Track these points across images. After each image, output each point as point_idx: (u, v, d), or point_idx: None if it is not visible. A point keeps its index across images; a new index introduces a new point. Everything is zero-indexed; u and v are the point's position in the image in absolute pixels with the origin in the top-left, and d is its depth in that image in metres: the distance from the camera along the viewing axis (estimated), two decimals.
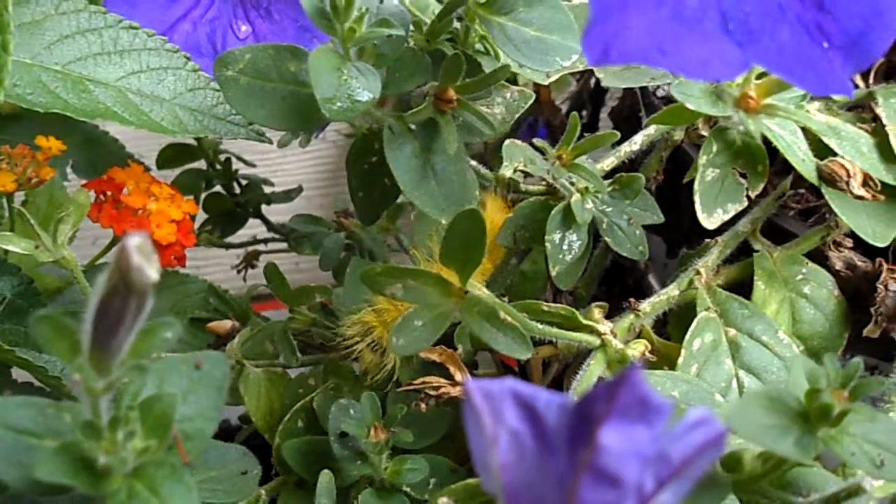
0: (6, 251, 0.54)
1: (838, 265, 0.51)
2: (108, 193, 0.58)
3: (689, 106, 0.43)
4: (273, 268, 0.56)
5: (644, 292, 0.65)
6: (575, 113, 0.50)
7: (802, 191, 0.58)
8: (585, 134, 0.52)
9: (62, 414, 0.35)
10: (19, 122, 0.66)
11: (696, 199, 0.47)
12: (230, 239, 0.76)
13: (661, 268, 0.73)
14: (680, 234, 0.64)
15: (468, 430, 0.27)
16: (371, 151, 0.53)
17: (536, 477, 0.25)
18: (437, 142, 0.48)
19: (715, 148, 0.47)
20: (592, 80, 0.83)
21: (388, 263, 0.46)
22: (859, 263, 0.52)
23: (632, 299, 0.50)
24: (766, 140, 0.47)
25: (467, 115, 0.48)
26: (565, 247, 0.51)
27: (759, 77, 0.44)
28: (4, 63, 0.37)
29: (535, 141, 0.50)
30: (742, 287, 0.52)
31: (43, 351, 0.52)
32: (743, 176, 0.47)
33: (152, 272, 0.29)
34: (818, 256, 0.52)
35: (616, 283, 0.68)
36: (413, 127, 0.48)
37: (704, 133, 0.50)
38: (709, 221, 0.47)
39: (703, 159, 0.46)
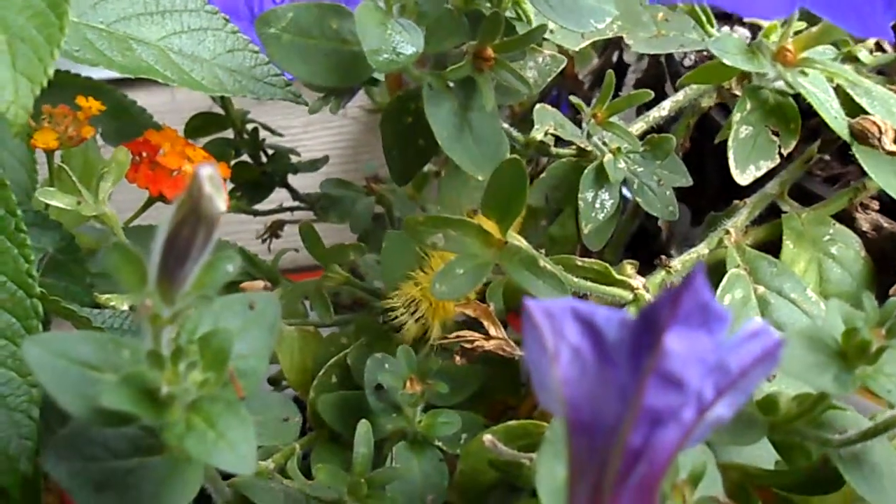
0: (46, 207, 0.55)
1: (865, 226, 0.52)
2: (144, 154, 0.59)
3: (726, 61, 0.44)
4: (308, 226, 0.57)
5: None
6: (611, 71, 0.51)
7: (828, 158, 0.59)
8: None
9: (121, 349, 0.36)
10: (54, 90, 0.67)
11: (730, 155, 0.48)
12: (256, 207, 0.77)
13: (682, 239, 0.74)
14: (705, 201, 0.65)
15: (526, 349, 0.28)
16: (407, 112, 0.54)
17: (598, 390, 0.26)
18: (474, 100, 0.49)
19: (749, 106, 0.47)
20: (615, 56, 0.84)
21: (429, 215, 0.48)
22: (885, 225, 0.53)
23: (662, 256, 0.51)
24: (797, 101, 0.48)
25: (504, 74, 0.49)
26: (598, 205, 0.52)
27: (795, 33, 0.45)
28: (65, 11, 0.38)
29: (571, 98, 0.51)
30: (769, 248, 0.53)
31: (83, 305, 0.54)
32: (775, 134, 0.48)
33: (222, 203, 0.31)
34: (845, 218, 0.53)
35: (640, 252, 0.69)
36: (451, 85, 0.49)
37: (737, 92, 0.51)
38: (742, 177, 0.48)
39: (736, 117, 0.47)
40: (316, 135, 1.02)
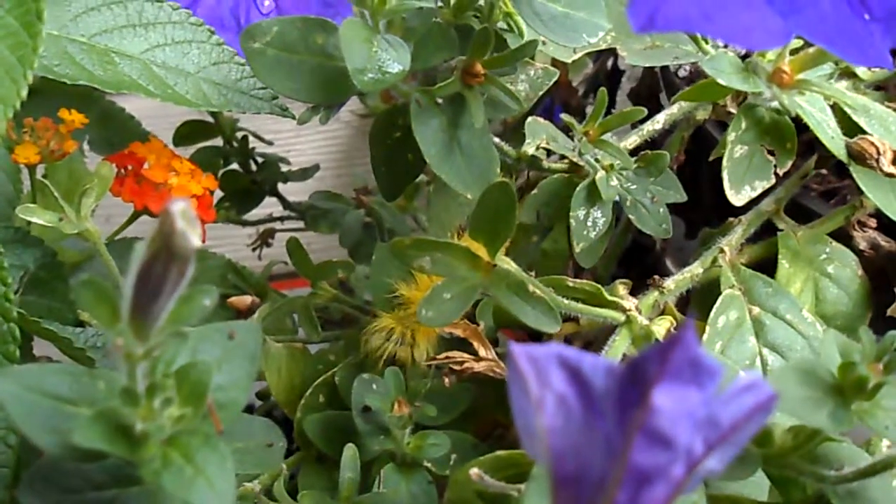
0: (28, 223, 0.54)
1: (862, 245, 0.51)
2: (129, 167, 0.58)
3: (721, 81, 0.43)
4: (295, 242, 0.56)
5: (662, 275, 0.65)
6: (603, 88, 0.50)
7: (824, 172, 0.58)
8: None
9: (97, 382, 0.35)
10: (39, 98, 0.66)
11: (725, 175, 0.47)
12: (246, 217, 0.76)
13: (676, 252, 0.74)
14: (700, 215, 0.64)
15: (511, 395, 0.27)
16: (395, 127, 0.53)
17: (583, 441, 0.25)
18: (463, 116, 0.48)
19: (744, 125, 0.46)
20: (609, 62, 0.83)
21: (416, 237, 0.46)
22: (883, 243, 0.52)
23: (655, 276, 0.50)
24: (792, 118, 0.47)
25: (494, 91, 0.48)
26: (590, 223, 0.51)
27: (792, 53, 0.44)
28: (39, 31, 0.37)
29: (563, 116, 0.50)
30: (765, 266, 0.52)
31: (66, 323, 0.53)
32: (771, 153, 0.47)
33: (195, 238, 0.29)
34: (842, 236, 0.52)
35: (634, 266, 0.68)
36: (440, 101, 0.48)
37: (732, 110, 0.50)
38: (737, 198, 0.47)
39: (731, 136, 0.46)
40: (308, 139, 1.01)
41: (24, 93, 0.38)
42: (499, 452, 0.41)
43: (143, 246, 0.30)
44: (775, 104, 0.46)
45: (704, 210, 0.63)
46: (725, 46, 0.46)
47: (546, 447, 0.26)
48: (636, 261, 0.68)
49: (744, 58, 0.45)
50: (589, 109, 0.80)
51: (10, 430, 0.43)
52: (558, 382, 0.26)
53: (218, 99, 0.53)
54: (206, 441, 0.35)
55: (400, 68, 0.43)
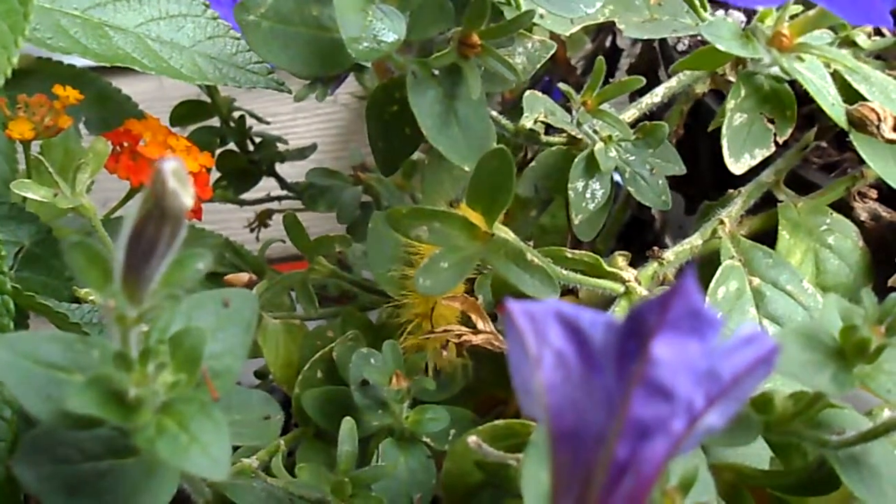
0: (23, 199, 0.54)
1: (863, 216, 0.51)
2: (125, 144, 0.58)
3: (720, 47, 0.42)
4: (292, 217, 0.55)
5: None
6: (601, 57, 0.49)
7: (824, 145, 0.58)
8: None
9: (90, 349, 0.35)
10: (35, 79, 0.66)
11: (724, 143, 0.46)
12: (243, 196, 0.76)
13: (676, 228, 0.73)
14: (699, 189, 0.64)
15: (509, 352, 0.27)
16: (392, 101, 0.53)
17: (582, 396, 0.25)
18: (460, 88, 0.48)
19: (743, 92, 0.46)
20: (608, 41, 0.82)
21: (413, 206, 0.46)
22: (884, 214, 0.51)
23: (655, 248, 0.50)
24: (793, 87, 0.46)
25: (491, 62, 0.47)
26: (588, 195, 0.50)
27: (791, 17, 0.43)
28: (27, 7, 0.36)
29: (561, 86, 0.49)
30: (765, 238, 0.52)
31: (61, 299, 0.52)
32: (771, 121, 0.47)
33: (187, 197, 0.29)
34: (843, 207, 0.52)
35: (633, 242, 0.67)
36: (436, 73, 0.48)
37: (731, 78, 0.49)
38: (736, 167, 0.47)
39: (730, 104, 0.46)
40: (305, 121, 1.00)
41: (15, 60, 0.38)
42: (497, 422, 0.41)
43: (135, 206, 0.30)
44: (774, 71, 0.45)
45: (703, 185, 0.62)
46: (726, 12, 0.45)
47: (544, 403, 0.25)
48: (635, 237, 0.68)
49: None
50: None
51: (7, 403, 0.43)
52: (556, 338, 0.25)
53: (213, 73, 0.53)
54: (200, 409, 0.34)
55: (395, 37, 0.43)
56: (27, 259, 0.52)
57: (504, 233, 0.43)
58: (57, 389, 0.34)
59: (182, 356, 0.34)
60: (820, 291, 0.50)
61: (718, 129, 0.56)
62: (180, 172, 0.29)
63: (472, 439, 0.37)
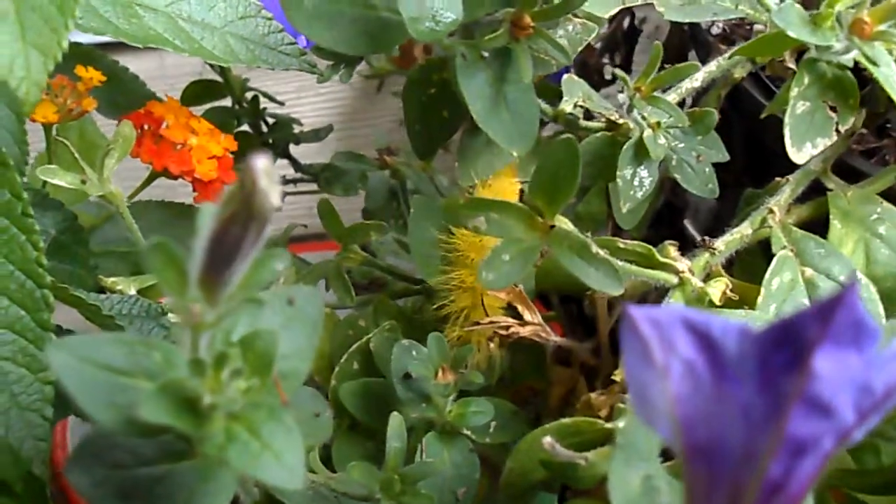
0: (44, 184, 0.52)
1: None
2: (147, 127, 0.56)
3: (790, 33, 0.41)
4: (326, 203, 0.53)
5: (689, 238, 0.64)
6: (658, 42, 0.48)
7: (864, 131, 0.57)
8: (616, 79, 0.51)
9: (152, 352, 0.33)
10: None
11: (787, 132, 0.45)
12: None
13: (693, 213, 0.72)
14: (731, 177, 0.63)
15: (626, 362, 0.25)
16: (430, 83, 0.51)
17: (714, 409, 0.23)
18: (510, 71, 0.46)
19: (806, 80, 0.45)
20: (626, 23, 0.81)
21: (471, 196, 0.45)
22: None
23: (706, 238, 0.48)
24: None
25: (541, 43, 0.46)
26: (636, 182, 0.49)
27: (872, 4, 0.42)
28: None
29: (615, 71, 0.48)
30: (812, 227, 0.51)
31: (87, 289, 0.50)
32: (832, 109, 0.46)
33: (276, 197, 0.27)
34: (891, 196, 0.51)
35: (663, 228, 0.66)
36: (485, 55, 0.46)
37: (790, 65, 0.48)
38: (798, 156, 0.45)
39: (794, 91, 0.45)
40: (309, 102, 0.98)
41: (66, 44, 0.36)
42: (563, 420, 0.40)
43: (218, 206, 0.28)
44: (844, 58, 0.44)
45: (737, 171, 0.61)
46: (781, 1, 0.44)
47: (673, 416, 0.24)
48: (664, 224, 0.66)
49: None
50: (607, 70, 0.79)
51: (47, 402, 0.41)
52: (685, 347, 0.24)
53: (245, 54, 0.51)
54: (270, 414, 0.33)
55: (453, 17, 0.41)
56: (53, 247, 0.50)
57: (565, 224, 0.41)
58: (121, 395, 0.32)
59: (254, 360, 0.32)
60: (870, 282, 0.49)
61: (756, 116, 0.55)
62: (270, 171, 0.27)
63: (547, 440, 0.36)
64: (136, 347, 0.33)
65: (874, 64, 0.41)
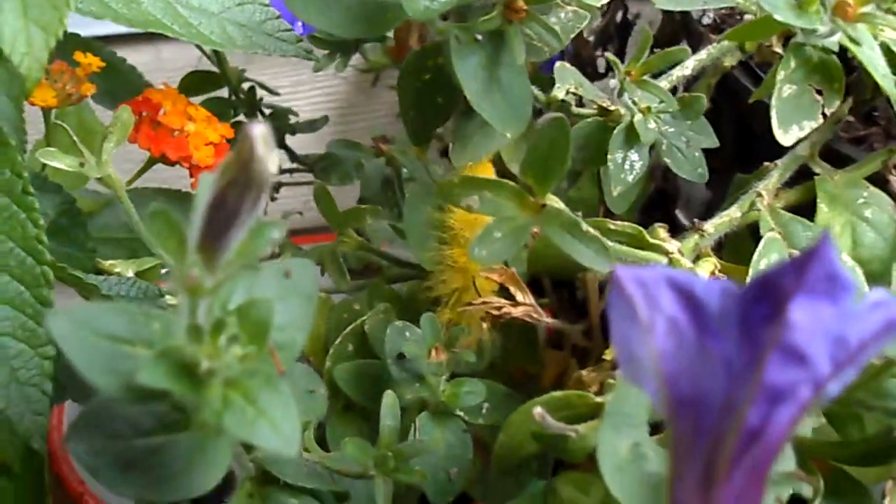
0: (43, 167, 0.52)
1: None
2: (145, 114, 0.57)
3: (777, 17, 0.42)
4: (323, 189, 0.54)
5: (677, 226, 0.65)
6: (647, 27, 0.49)
7: (851, 119, 0.58)
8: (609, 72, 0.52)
9: (152, 322, 0.34)
10: None
11: (773, 114, 0.46)
12: None
13: (685, 202, 0.73)
14: (720, 164, 0.64)
15: (612, 321, 0.26)
16: (425, 69, 0.52)
17: (698, 363, 0.24)
18: (502, 54, 0.47)
19: (793, 64, 0.46)
20: (619, 16, 0.81)
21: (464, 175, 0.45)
22: None
23: (695, 220, 0.49)
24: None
25: (535, 27, 0.47)
26: (627, 166, 0.50)
27: None
28: None
29: (607, 56, 0.49)
30: (800, 211, 0.52)
31: (86, 271, 0.51)
32: (818, 93, 0.46)
33: (273, 164, 0.28)
34: (878, 181, 0.52)
35: (653, 214, 0.67)
36: (479, 38, 0.47)
37: (777, 50, 0.49)
38: (785, 138, 0.46)
39: (780, 75, 0.46)
40: (305, 95, 0.99)
41: (67, 21, 0.36)
42: (553, 393, 0.41)
43: (216, 173, 0.29)
44: (828, 41, 0.45)
45: (726, 159, 0.62)
46: None
47: (658, 371, 0.25)
48: (655, 211, 0.67)
49: None
50: (601, 62, 0.79)
51: (46, 377, 0.42)
52: (669, 305, 0.25)
53: (243, 40, 0.52)
54: (267, 382, 0.33)
55: None
56: (51, 230, 0.51)
57: (556, 203, 0.42)
58: (121, 362, 0.33)
59: (250, 328, 0.33)
60: (856, 264, 0.50)
61: (745, 103, 0.56)
62: (268, 138, 0.28)
63: (538, 410, 0.36)
64: (136, 317, 0.34)
65: (857, 44, 0.42)
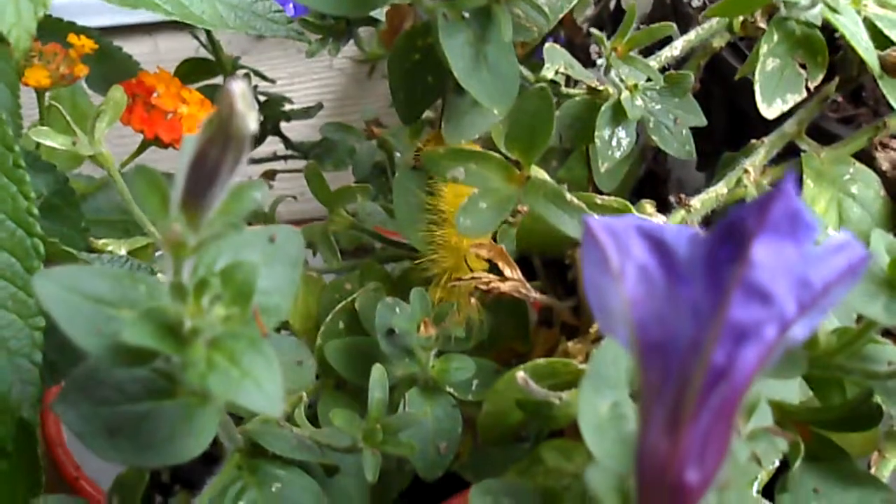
0: (37, 146, 0.53)
1: (885, 165, 0.51)
2: (138, 96, 0.57)
3: None
4: (313, 168, 0.55)
5: (667, 208, 0.65)
6: (633, 3, 0.49)
7: (840, 100, 0.58)
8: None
9: (137, 285, 0.34)
10: (39, 36, 0.65)
11: (757, 88, 0.46)
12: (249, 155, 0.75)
13: (675, 185, 0.73)
14: (711, 146, 0.64)
15: (584, 270, 0.26)
16: (414, 49, 0.52)
17: (667, 308, 0.25)
18: (490, 31, 0.47)
19: (776, 37, 0.46)
20: (612, 3, 0.82)
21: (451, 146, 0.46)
22: None
23: (682, 195, 0.50)
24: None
25: (521, 5, 0.47)
26: (614, 143, 0.50)
27: None
28: None
29: (593, 31, 0.49)
30: None
31: (79, 251, 0.51)
32: (802, 67, 0.47)
33: (253, 121, 0.29)
34: (864, 157, 0.52)
35: (646, 197, 0.67)
36: (466, 16, 0.47)
37: (762, 25, 0.49)
38: (769, 111, 0.47)
39: (763, 48, 0.46)
40: (302, 86, 0.99)
41: None
42: (538, 360, 0.41)
43: (198, 130, 0.29)
44: (809, 15, 0.45)
45: (716, 141, 0.63)
46: None
47: (629, 318, 0.25)
48: (647, 194, 0.68)
49: None
50: (593, 48, 0.80)
51: (36, 347, 0.42)
52: (639, 252, 0.25)
53: (234, 20, 0.52)
54: (251, 344, 0.34)
55: None
56: (45, 208, 0.51)
57: (540, 174, 0.42)
58: (106, 324, 0.33)
59: (234, 290, 0.33)
60: None
61: (735, 85, 0.56)
62: (247, 96, 0.28)
63: (521, 375, 0.37)
64: (123, 280, 0.34)
65: (835, 12, 0.42)
